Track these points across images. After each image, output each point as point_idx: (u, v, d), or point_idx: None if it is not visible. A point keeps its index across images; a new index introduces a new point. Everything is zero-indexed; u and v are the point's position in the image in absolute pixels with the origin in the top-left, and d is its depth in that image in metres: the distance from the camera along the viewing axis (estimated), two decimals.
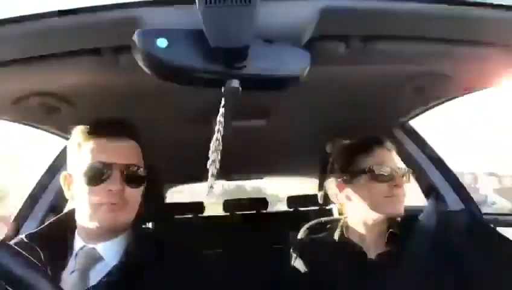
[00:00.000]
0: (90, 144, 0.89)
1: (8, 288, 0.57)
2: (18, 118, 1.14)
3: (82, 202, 0.88)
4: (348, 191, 1.09)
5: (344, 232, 1.11)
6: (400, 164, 1.10)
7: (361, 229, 1.08)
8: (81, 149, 0.90)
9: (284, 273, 1.14)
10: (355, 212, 1.09)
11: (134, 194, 0.90)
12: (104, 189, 0.86)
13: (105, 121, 0.91)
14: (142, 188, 0.93)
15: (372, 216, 1.05)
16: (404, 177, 1.06)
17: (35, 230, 0.94)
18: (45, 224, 0.96)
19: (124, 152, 0.90)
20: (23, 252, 0.62)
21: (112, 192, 0.86)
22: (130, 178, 0.89)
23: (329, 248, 1.09)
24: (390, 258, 1.00)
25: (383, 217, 1.05)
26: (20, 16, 0.66)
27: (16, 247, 0.64)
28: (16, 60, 0.76)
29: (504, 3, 0.72)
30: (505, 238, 1.07)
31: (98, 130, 0.90)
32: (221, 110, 0.66)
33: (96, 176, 0.86)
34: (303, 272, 1.08)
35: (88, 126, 0.92)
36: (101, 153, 0.88)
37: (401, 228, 1.06)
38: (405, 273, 0.96)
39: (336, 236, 1.12)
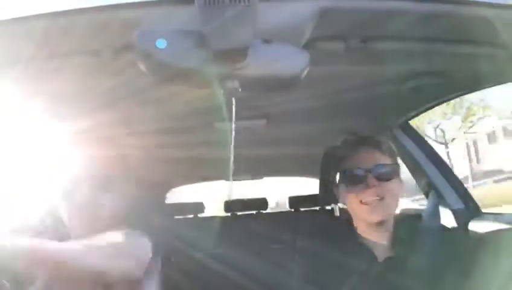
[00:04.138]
0: None
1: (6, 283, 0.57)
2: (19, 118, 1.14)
3: None
4: (339, 196, 1.06)
5: (351, 234, 1.08)
6: (384, 161, 0.99)
7: (364, 233, 1.06)
8: None
9: (286, 275, 1.13)
10: (352, 216, 1.07)
11: None
12: None
13: None
14: None
15: (360, 222, 1.02)
16: (385, 174, 0.96)
17: (40, 232, 0.95)
18: (47, 226, 0.97)
19: None
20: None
21: None
22: None
23: (336, 250, 1.07)
24: (397, 263, 0.98)
25: (370, 222, 0.99)
26: (20, 17, 0.66)
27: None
28: (16, 61, 0.76)
29: (504, 3, 0.72)
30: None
31: None
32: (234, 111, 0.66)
33: None
34: (306, 273, 1.07)
35: None
36: None
37: (405, 231, 1.04)
38: (412, 278, 0.94)
39: (344, 238, 1.09)
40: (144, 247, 0.85)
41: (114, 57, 0.77)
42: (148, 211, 1.00)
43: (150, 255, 0.85)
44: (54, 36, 0.71)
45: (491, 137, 17.15)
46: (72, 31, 0.70)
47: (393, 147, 1.11)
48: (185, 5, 0.66)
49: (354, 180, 0.97)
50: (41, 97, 1.00)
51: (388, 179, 0.97)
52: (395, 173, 1.00)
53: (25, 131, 1.22)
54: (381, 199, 0.96)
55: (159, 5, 0.69)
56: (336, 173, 1.06)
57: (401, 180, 1.02)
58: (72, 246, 0.74)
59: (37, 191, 1.40)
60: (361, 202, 0.97)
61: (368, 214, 0.97)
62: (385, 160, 1.00)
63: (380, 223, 0.99)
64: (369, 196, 0.96)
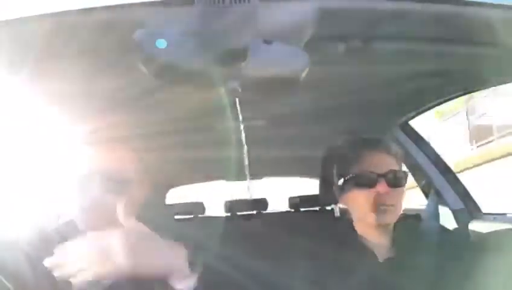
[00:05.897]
0: None
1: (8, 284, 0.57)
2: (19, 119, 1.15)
3: None
4: (344, 197, 1.06)
5: (351, 235, 1.08)
6: (394, 166, 1.00)
7: (364, 233, 1.06)
8: None
9: (286, 275, 1.13)
10: (354, 217, 1.08)
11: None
12: None
13: None
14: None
15: (363, 223, 1.02)
16: (396, 181, 0.97)
17: (44, 235, 0.95)
18: (52, 229, 0.97)
19: None
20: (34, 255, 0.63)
21: None
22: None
23: (337, 250, 1.07)
24: (398, 263, 0.98)
25: (374, 225, 0.99)
26: (23, 17, 0.66)
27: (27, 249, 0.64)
28: (16, 61, 0.76)
29: (504, 3, 0.72)
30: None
31: None
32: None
33: None
34: (306, 273, 1.07)
35: None
36: None
37: (405, 231, 1.04)
38: (412, 279, 0.94)
39: (344, 238, 1.09)
40: None
41: (114, 58, 0.77)
42: (148, 211, 1.00)
43: None
44: (54, 37, 0.71)
45: None
46: (72, 32, 0.70)
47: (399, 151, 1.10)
48: (185, 5, 0.66)
49: (365, 184, 0.97)
50: (41, 98, 1.00)
51: (399, 186, 0.98)
52: (405, 180, 1.00)
53: (28, 131, 1.22)
54: (392, 205, 0.97)
55: (159, 5, 0.69)
56: (339, 174, 1.05)
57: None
58: None
59: (46, 191, 1.40)
60: (370, 204, 0.96)
61: (377, 217, 0.96)
62: (396, 166, 1.00)
63: (385, 226, 0.99)
64: (381, 201, 0.96)
